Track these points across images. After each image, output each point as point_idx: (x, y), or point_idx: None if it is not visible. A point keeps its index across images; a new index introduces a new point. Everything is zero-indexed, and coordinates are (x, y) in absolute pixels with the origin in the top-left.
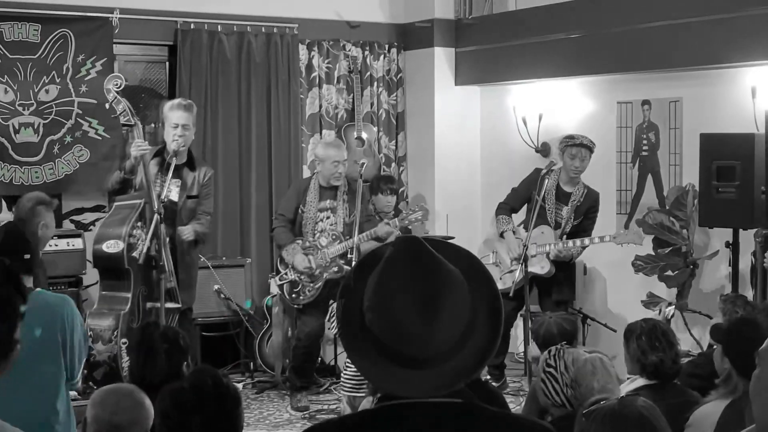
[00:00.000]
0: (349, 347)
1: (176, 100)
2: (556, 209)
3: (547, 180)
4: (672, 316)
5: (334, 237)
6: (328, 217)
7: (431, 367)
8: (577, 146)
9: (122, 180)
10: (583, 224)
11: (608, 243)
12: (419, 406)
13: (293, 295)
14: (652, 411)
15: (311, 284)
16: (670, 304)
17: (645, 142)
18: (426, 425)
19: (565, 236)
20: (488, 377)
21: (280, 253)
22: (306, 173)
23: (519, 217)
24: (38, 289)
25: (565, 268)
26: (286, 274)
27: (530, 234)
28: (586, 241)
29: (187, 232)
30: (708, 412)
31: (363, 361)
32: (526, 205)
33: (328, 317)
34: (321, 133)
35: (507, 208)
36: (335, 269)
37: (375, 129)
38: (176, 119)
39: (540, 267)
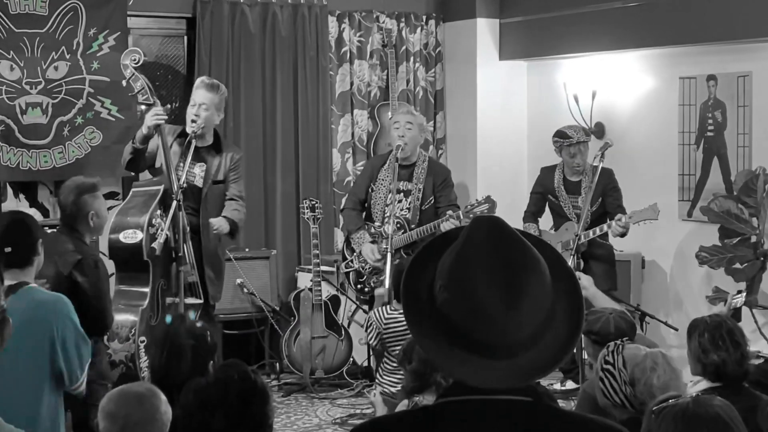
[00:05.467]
0: (417, 333)
1: (202, 78)
2: (571, 202)
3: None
4: (740, 305)
5: (399, 225)
6: (399, 201)
7: (506, 357)
8: (575, 145)
9: (134, 151)
10: (605, 205)
11: (626, 223)
12: (487, 403)
13: (358, 286)
14: (730, 412)
15: (375, 276)
16: (739, 292)
17: (710, 121)
18: (494, 424)
19: (588, 225)
20: None
21: (346, 237)
22: (336, 157)
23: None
24: (32, 285)
25: (599, 258)
26: (351, 261)
27: (582, 224)
28: (605, 227)
29: (218, 224)
30: None
31: (432, 346)
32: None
33: (365, 327)
34: (352, 113)
35: (529, 214)
36: (397, 262)
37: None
38: (195, 97)
39: None
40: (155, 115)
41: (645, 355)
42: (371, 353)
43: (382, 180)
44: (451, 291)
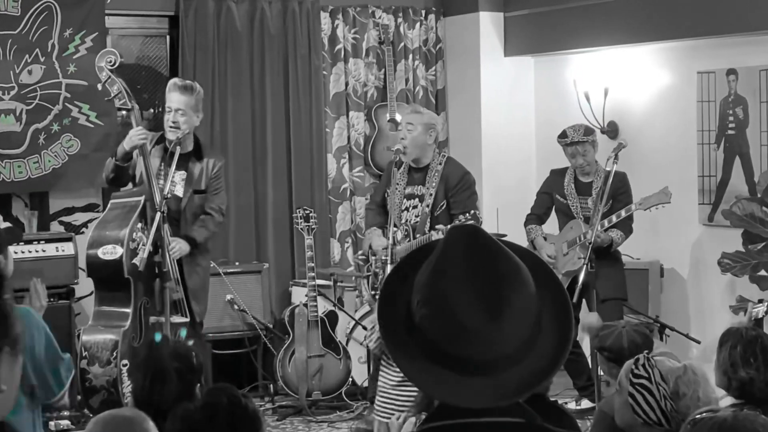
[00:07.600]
0: (395, 351)
1: (173, 80)
2: (580, 203)
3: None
4: (762, 316)
5: (406, 233)
6: (415, 206)
7: (491, 373)
8: (572, 145)
9: (115, 168)
10: (614, 209)
11: (637, 212)
12: (474, 427)
13: (374, 290)
14: None
15: None
16: (761, 301)
17: (731, 118)
18: None
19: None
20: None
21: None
22: (331, 163)
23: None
24: None
25: (607, 262)
26: (371, 265)
27: (596, 224)
28: (614, 218)
29: (176, 247)
30: None
31: (411, 365)
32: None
33: (368, 330)
34: (348, 116)
35: (533, 217)
36: None
37: None
38: (170, 102)
39: (572, 264)
40: (137, 135)
41: (685, 367)
42: (371, 371)
43: (397, 184)
44: (428, 306)
